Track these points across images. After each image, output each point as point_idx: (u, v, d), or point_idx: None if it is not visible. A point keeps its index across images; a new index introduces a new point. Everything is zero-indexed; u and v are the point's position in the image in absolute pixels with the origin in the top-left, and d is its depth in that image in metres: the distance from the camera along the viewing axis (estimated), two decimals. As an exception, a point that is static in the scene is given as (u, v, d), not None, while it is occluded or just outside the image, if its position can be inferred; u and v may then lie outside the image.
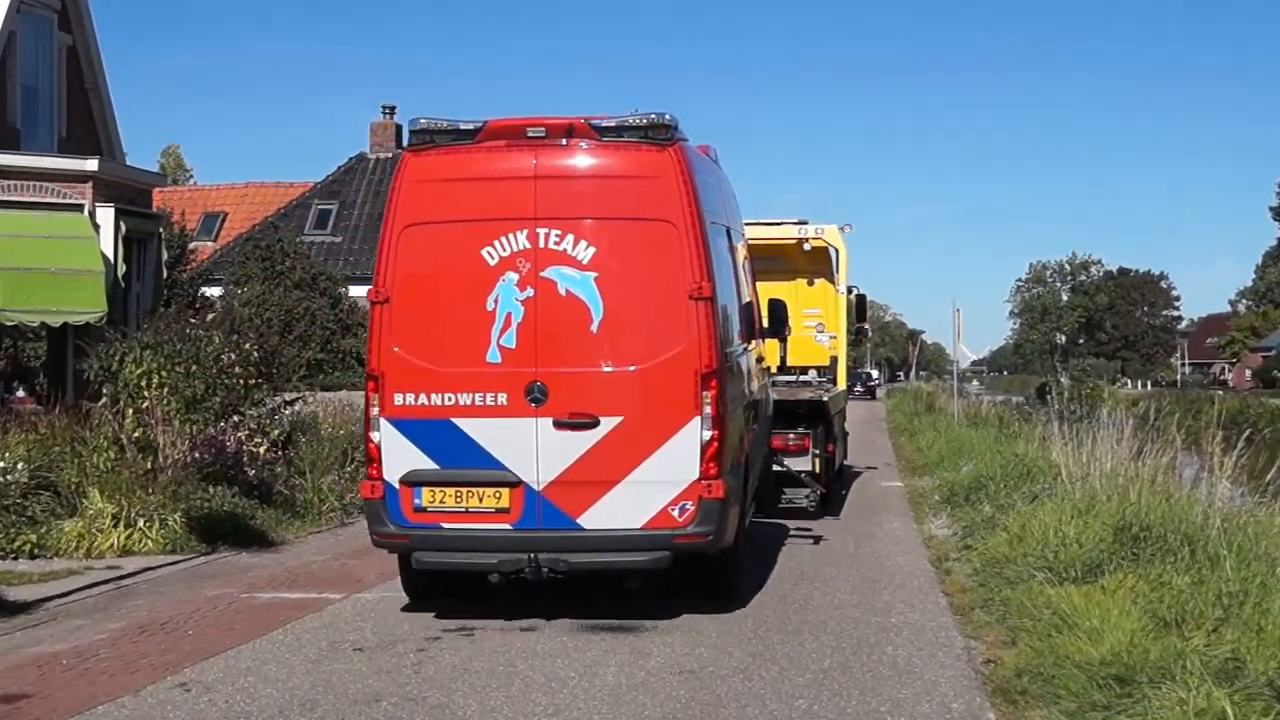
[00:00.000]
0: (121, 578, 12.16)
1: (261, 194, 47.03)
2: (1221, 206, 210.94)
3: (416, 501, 10.09)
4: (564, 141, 10.20)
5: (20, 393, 20.37)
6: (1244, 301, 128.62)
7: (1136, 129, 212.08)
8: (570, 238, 10.07)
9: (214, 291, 31.57)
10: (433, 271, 10.28)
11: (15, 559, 12.76)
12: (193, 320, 17.95)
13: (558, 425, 9.94)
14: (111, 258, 19.79)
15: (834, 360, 19.56)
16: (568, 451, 9.93)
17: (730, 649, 9.26)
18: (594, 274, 10.04)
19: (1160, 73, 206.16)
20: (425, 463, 10.08)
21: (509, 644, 9.45)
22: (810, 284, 19.79)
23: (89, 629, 10.13)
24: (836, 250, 19.80)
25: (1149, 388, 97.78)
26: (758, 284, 13.77)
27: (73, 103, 23.26)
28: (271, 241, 32.33)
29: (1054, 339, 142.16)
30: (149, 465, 14.41)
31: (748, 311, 12.38)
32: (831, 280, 19.95)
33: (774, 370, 15.34)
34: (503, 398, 9.99)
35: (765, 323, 13.87)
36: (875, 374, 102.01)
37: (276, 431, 16.87)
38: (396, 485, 10.13)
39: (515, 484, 9.98)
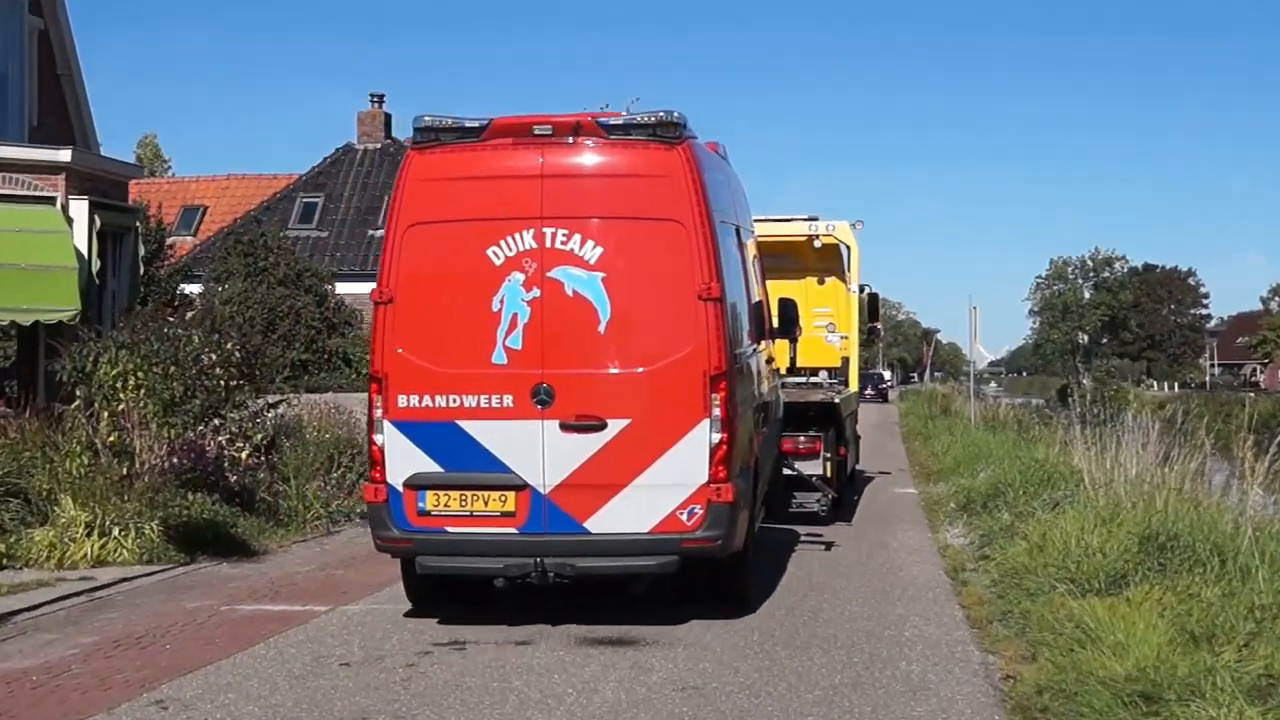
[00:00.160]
0: (95, 589, 12.14)
1: (243, 186, 47.04)
2: (1252, 199, 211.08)
3: (420, 505, 10.34)
4: (571, 139, 10.48)
5: (-11, 395, 20.36)
6: (1276, 299, 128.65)
7: (1162, 119, 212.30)
8: (577, 237, 10.32)
9: (193, 288, 31.56)
10: (437, 271, 10.54)
11: (-16, 569, 12.77)
12: (171, 319, 17.92)
13: (564, 428, 10.19)
14: (85, 253, 19.76)
15: (845, 361, 19.72)
16: (574, 454, 10.17)
17: (736, 664, 9.25)
18: (601, 274, 10.29)
19: (1185, 62, 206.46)
20: (429, 465, 10.32)
21: (503, 658, 9.45)
22: (821, 282, 19.94)
23: (60, 643, 10.12)
24: (848, 247, 19.91)
25: (1176, 390, 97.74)
26: (767, 282, 13.93)
27: (44, 90, 23.22)
28: (254, 236, 32.30)
29: (1076, 339, 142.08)
30: (124, 471, 14.38)
31: (757, 311, 12.57)
32: (843, 278, 20.07)
33: (783, 372, 15.50)
34: (508, 399, 10.24)
35: (775, 323, 13.98)
36: (887, 375, 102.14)
37: (259, 435, 16.86)
38: (400, 488, 10.37)
39: (521, 487, 10.22)
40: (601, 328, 10.29)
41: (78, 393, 15.99)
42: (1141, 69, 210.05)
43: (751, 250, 13.05)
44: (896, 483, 23.69)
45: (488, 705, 8.25)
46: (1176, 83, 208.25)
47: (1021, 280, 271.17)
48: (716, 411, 10.16)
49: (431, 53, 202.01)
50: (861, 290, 20.67)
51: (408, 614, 11.03)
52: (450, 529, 10.34)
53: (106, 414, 15.17)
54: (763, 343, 12.80)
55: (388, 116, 43.97)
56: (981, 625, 10.55)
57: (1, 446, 14.70)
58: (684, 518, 10.17)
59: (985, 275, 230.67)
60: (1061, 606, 9.83)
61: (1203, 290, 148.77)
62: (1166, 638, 8.49)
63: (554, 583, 10.44)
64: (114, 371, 15.85)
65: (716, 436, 10.16)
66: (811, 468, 16.62)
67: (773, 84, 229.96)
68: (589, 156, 10.54)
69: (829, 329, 19.63)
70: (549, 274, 10.31)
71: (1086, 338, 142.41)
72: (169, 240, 34.30)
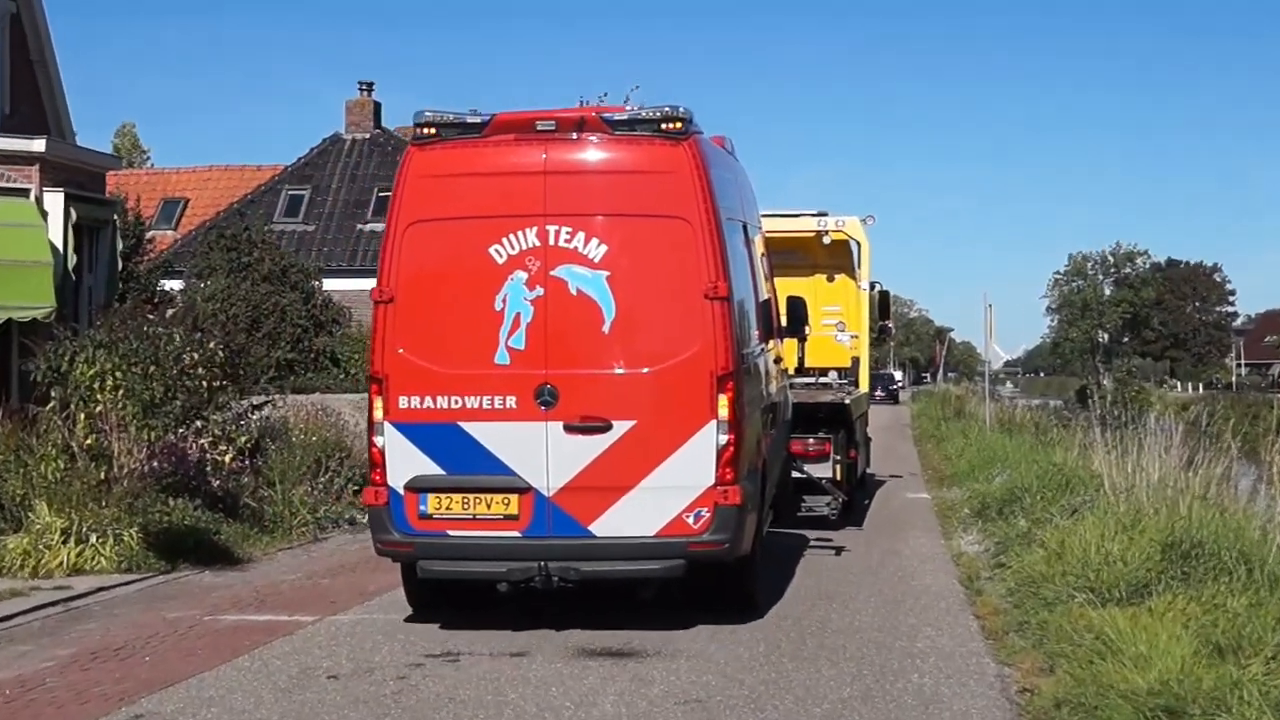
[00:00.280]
0: (72, 599, 12.16)
1: (226, 178, 47.03)
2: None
3: (422, 508, 10.55)
4: (574, 135, 10.75)
5: (-40, 396, 20.38)
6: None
7: (1186, 109, 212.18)
8: (581, 235, 10.53)
9: (174, 285, 31.56)
10: (438, 270, 10.75)
11: (-45, 578, 12.78)
12: (151, 316, 17.93)
13: (569, 429, 10.41)
14: (61, 247, 19.76)
15: (855, 361, 19.91)
16: (579, 456, 10.39)
17: (740, 676, 9.26)
18: (606, 273, 10.50)
19: (1207, 52, 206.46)
20: (431, 468, 10.54)
21: (498, 670, 9.45)
22: (830, 280, 20.13)
23: (35, 655, 10.12)
24: (858, 243, 20.06)
25: (1201, 390, 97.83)
26: (775, 280, 14.07)
27: (17, 77, 23.22)
28: (237, 230, 32.29)
29: (1095, 337, 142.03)
30: (102, 475, 14.40)
31: (765, 310, 12.76)
32: (853, 275, 20.23)
33: (791, 372, 15.62)
34: (511, 401, 10.46)
35: (783, 322, 14.21)
36: (898, 376, 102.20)
37: (243, 438, 16.88)
38: (401, 491, 10.58)
39: (524, 490, 10.44)
40: (606, 327, 10.49)
41: (53, 394, 16.01)
42: (1164, 59, 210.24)
43: (759, 247, 13.19)
44: (908, 487, 23.74)
45: (482, 719, 8.25)
46: (1200, 73, 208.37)
47: (1039, 277, 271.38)
48: (723, 412, 10.35)
49: (423, 39, 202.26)
50: (872, 288, 20.80)
51: (399, 624, 11.04)
52: (452, 532, 10.53)
53: (83, 416, 15.18)
54: (771, 342, 12.95)
55: (377, 105, 43.93)
56: (997, 636, 10.55)
57: (-26, 450, 14.72)
58: (690, 521, 10.37)
59: (1001, 271, 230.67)
60: (1081, 617, 9.83)
61: (1229, 287, 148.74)
62: (1190, 649, 8.49)
63: (558, 587, 10.58)
64: (91, 371, 15.86)
65: (723, 438, 10.35)
66: (821, 470, 16.82)
67: (779, 74, 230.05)
68: (593, 152, 10.74)
69: (839, 328, 19.81)
70: (552, 272, 10.50)
71: (1107, 336, 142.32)
72: (148, 234, 34.29)
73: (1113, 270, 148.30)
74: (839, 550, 15.24)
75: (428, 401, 10.54)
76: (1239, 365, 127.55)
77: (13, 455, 14.66)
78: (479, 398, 10.48)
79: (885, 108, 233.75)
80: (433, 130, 10.82)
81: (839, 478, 17.11)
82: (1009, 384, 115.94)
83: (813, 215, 19.85)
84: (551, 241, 10.53)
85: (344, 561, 14.80)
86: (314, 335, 29.92)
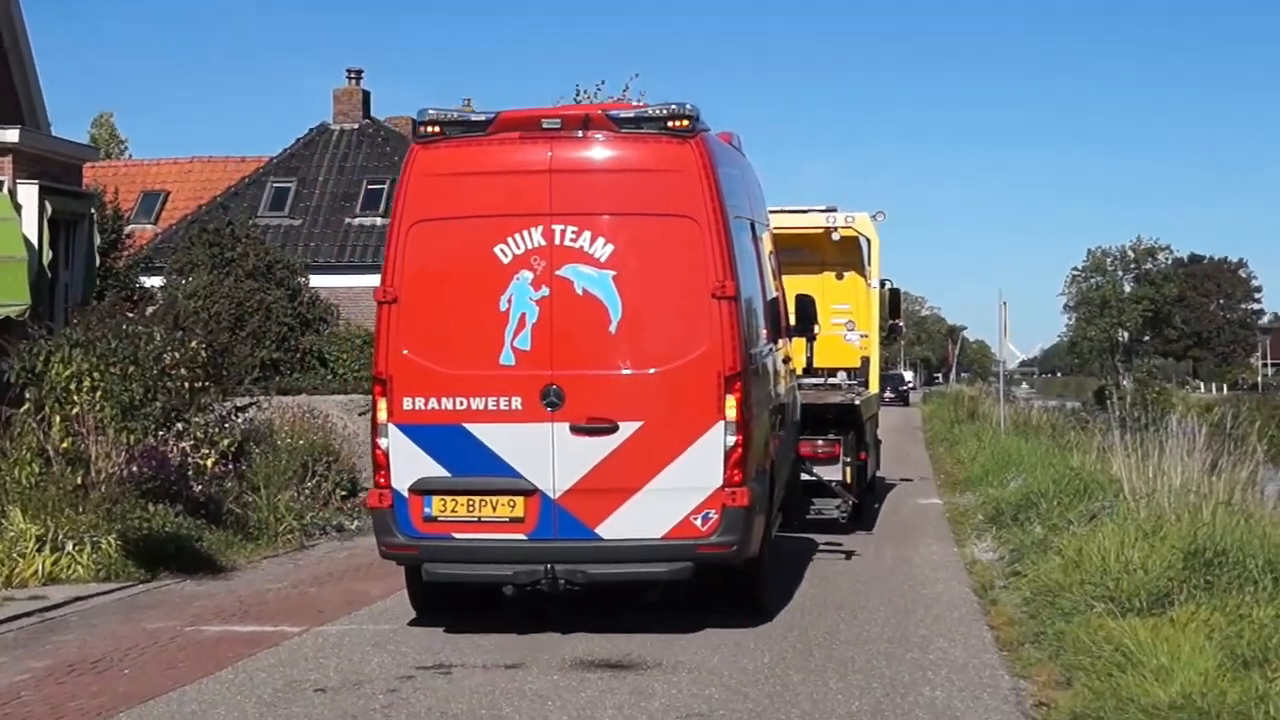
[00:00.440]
0: (47, 609, 12.16)
1: (208, 170, 47.07)
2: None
3: (427, 511, 10.82)
4: (580, 133, 11.04)
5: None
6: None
7: (1210, 98, 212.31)
8: (587, 234, 10.82)
9: (154, 281, 31.55)
10: (443, 270, 11.05)
11: (-74, 587, 12.78)
12: (130, 314, 17.95)
13: (575, 430, 10.69)
14: (35, 242, 19.76)
15: (865, 361, 20.05)
16: (585, 458, 10.67)
17: (745, 689, 9.26)
18: (612, 272, 10.79)
19: (1229, 39, 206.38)
20: (436, 470, 10.82)
21: (492, 683, 9.46)
22: (839, 277, 20.34)
23: (9, 668, 10.12)
24: (868, 240, 20.23)
25: (1225, 391, 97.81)
26: (783, 277, 14.33)
27: (-9, 65, 23.22)
28: (220, 224, 32.27)
29: (1115, 336, 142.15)
30: (79, 480, 14.40)
31: (773, 309, 13.04)
32: (862, 273, 20.40)
33: (800, 372, 15.81)
34: (517, 402, 10.74)
35: (792, 320, 14.38)
36: (909, 376, 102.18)
37: (226, 441, 16.89)
38: (405, 494, 10.85)
39: (530, 492, 10.72)
40: (612, 327, 10.77)
41: (27, 395, 16.01)
42: (1185, 46, 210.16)
43: (767, 244, 13.46)
44: (920, 492, 23.78)
45: (475, 735, 8.28)
46: (1223, 61, 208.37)
47: (1056, 273, 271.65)
48: (731, 413, 10.62)
49: (414, 25, 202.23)
50: (882, 285, 20.93)
51: (389, 634, 11.06)
52: (457, 535, 10.80)
53: (59, 418, 15.18)
54: (779, 341, 13.20)
55: (366, 94, 43.97)
56: (1012, 647, 10.56)
57: (-56, 454, 14.72)
58: (698, 523, 10.64)
59: (1016, 267, 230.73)
60: (1099, 627, 9.84)
61: (1255, 283, 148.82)
62: (1215, 662, 8.50)
63: (564, 590, 10.80)
64: (67, 372, 15.87)
65: (731, 439, 10.63)
66: (830, 473, 16.98)
67: (783, 64, 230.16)
68: (599, 151, 11.03)
69: (848, 327, 19.97)
70: (558, 272, 10.78)
71: (1127, 335, 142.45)
72: (127, 229, 34.23)
73: (1133, 266, 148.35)
74: (849, 555, 15.40)
75: (432, 403, 10.80)
76: (1265, 365, 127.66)
77: (-15, 459, 14.67)
78: (484, 399, 10.75)
79: (895, 99, 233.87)
80: (437, 128, 11.08)
81: (849, 480, 17.29)
82: (1024, 385, 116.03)
83: (821, 211, 20.02)
84: (557, 241, 10.80)
85: (331, 569, 14.81)
86: (300, 334, 29.90)
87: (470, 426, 10.76)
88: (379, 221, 39.94)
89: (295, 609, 12.45)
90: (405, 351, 10.88)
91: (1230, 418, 16.31)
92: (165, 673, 9.90)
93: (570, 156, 10.98)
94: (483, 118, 11.11)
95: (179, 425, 16.53)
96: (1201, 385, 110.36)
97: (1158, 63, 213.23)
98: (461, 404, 10.77)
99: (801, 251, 18.85)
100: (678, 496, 10.62)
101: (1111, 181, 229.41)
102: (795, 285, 15.58)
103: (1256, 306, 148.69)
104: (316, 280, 33.19)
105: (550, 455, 10.67)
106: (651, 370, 10.78)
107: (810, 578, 13.87)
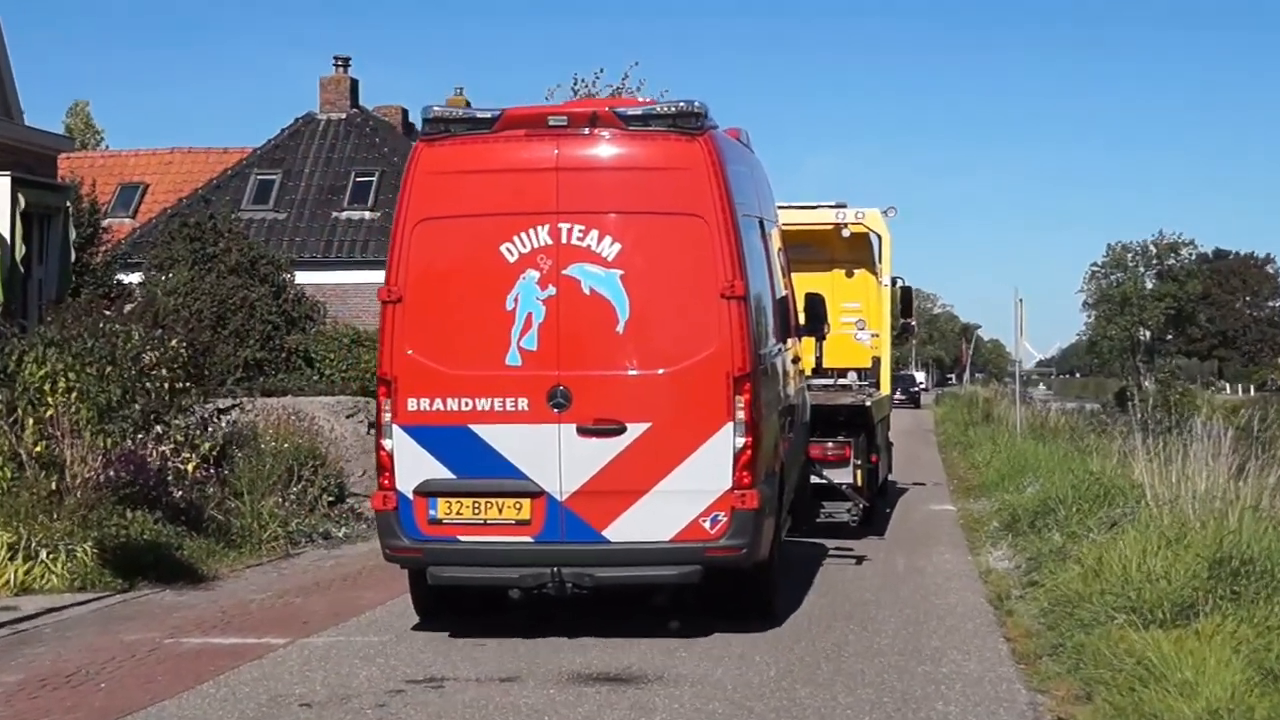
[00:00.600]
0: (19, 620, 12.15)
1: (189, 161, 47.07)
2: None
3: (431, 513, 11.06)
4: (587, 131, 11.36)
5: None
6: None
7: (1235, 87, 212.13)
8: (594, 233, 11.06)
9: (133, 278, 31.57)
10: (448, 269, 11.30)
11: (-107, 597, 12.77)
12: (107, 312, 17.94)
13: (582, 432, 10.92)
14: (8, 237, 19.78)
15: (876, 361, 20.21)
16: (592, 460, 10.90)
17: (749, 704, 9.25)
18: (620, 271, 11.02)
19: (1255, 22, 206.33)
20: (441, 472, 11.07)
21: (486, 697, 9.45)
22: (849, 275, 20.48)
23: (-18, 681, 10.11)
24: (879, 236, 20.36)
25: (1252, 393, 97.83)
26: (792, 275, 14.45)
27: (-39, 52, 23.22)
28: (201, 218, 32.29)
29: (1136, 335, 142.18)
30: (53, 486, 14.39)
31: (782, 308, 13.26)
32: (873, 270, 20.54)
33: (809, 372, 15.93)
34: (523, 403, 10.98)
35: (801, 320, 14.58)
36: (920, 377, 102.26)
37: (208, 445, 16.89)
38: (410, 496, 11.10)
39: (537, 494, 10.95)
40: (620, 327, 11.00)
41: None
42: (1206, 28, 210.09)
43: (776, 242, 13.65)
44: (932, 498, 23.81)
45: (467, 752, 8.27)
46: (1246, 48, 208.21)
47: (1074, 269, 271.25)
48: (740, 414, 10.86)
49: (404, 10, 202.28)
50: (894, 283, 21.08)
51: (379, 646, 11.06)
52: (463, 538, 11.05)
53: (32, 421, 15.16)
54: (788, 341, 13.41)
55: (354, 82, 43.97)
56: (1029, 660, 10.57)
57: (-87, 457, 14.70)
58: (707, 525, 10.87)
59: (1033, 263, 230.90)
60: (1120, 639, 9.83)
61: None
62: (1242, 676, 8.50)
63: (571, 594, 10.97)
64: (41, 372, 15.84)
65: (740, 441, 10.86)
66: (841, 475, 17.14)
67: (787, 53, 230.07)
68: (606, 148, 11.28)
69: (858, 326, 20.13)
70: (565, 271, 11.02)
71: (1148, 334, 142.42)
72: (104, 223, 34.28)
73: (1155, 262, 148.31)
74: (859, 560, 15.55)
75: (437, 404, 11.03)
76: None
77: (-45, 464, 14.65)
78: (490, 399, 10.98)
79: (904, 89, 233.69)
80: (442, 125, 11.32)
81: (860, 483, 17.46)
82: (1041, 385, 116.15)
83: (831, 207, 20.18)
84: (564, 240, 11.03)
85: (318, 579, 14.80)
86: (285, 333, 29.91)
87: (476, 428, 10.98)
88: (367, 215, 39.99)
89: (280, 620, 12.45)
90: (410, 352, 11.09)
91: (1257, 420, 16.32)
92: (143, 687, 9.89)
93: (577, 154, 11.21)
94: (488, 115, 11.30)
95: (158, 428, 16.52)
96: (1227, 386, 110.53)
97: (1180, 48, 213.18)
98: (467, 405, 10.99)
99: (810, 248, 19.00)
100: (686, 499, 10.83)
101: (1132, 173, 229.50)
102: (804, 283, 15.73)
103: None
104: (302, 277, 33.17)
105: (557, 457, 10.89)
106: (660, 371, 11.01)
107: (819, 584, 13.94)
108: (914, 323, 25.84)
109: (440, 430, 11.04)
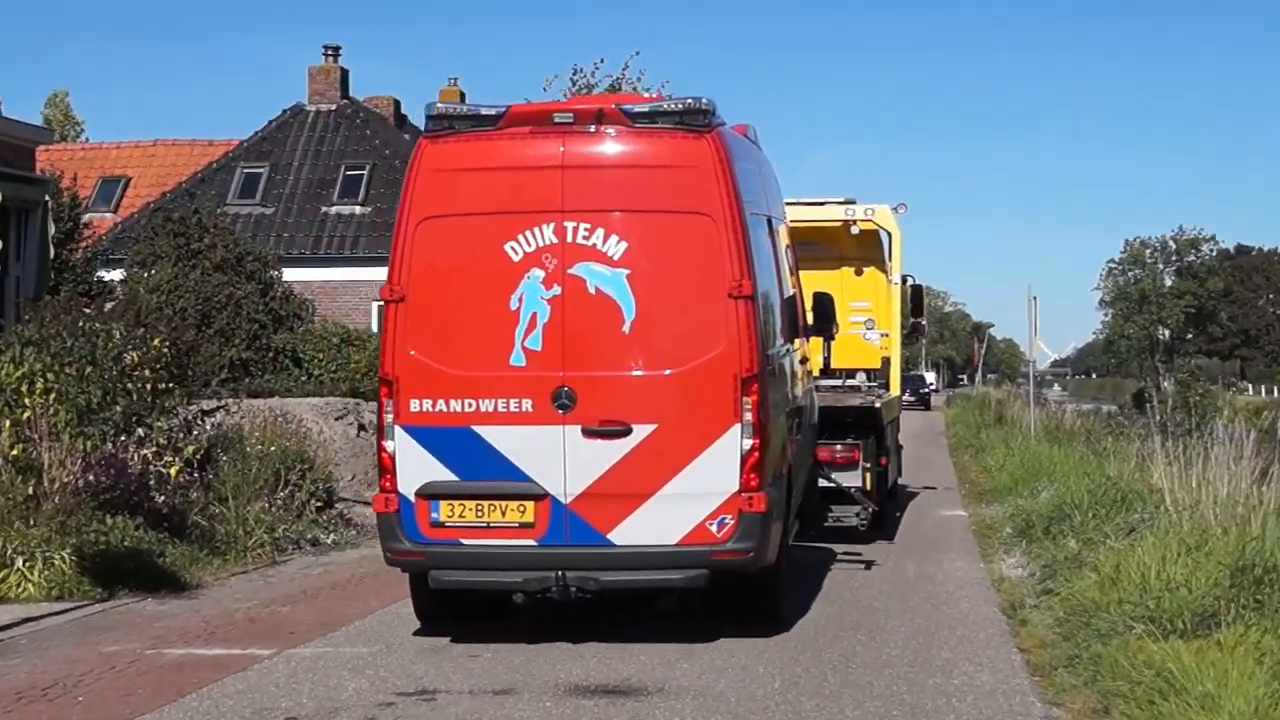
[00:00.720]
0: (-4, 630, 12.14)
1: (172, 154, 47.10)
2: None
3: (434, 516, 11.21)
4: (593, 128, 11.37)
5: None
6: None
7: (1254, 79, 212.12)
8: (600, 232, 11.20)
9: (114, 275, 31.57)
10: (451, 268, 11.46)
11: None
12: (87, 310, 17.91)
13: (587, 433, 11.06)
14: (-15, 233, 19.77)
15: (886, 362, 20.34)
16: (598, 462, 11.04)
17: (753, 717, 9.24)
18: (626, 271, 11.16)
19: (1266, 16, 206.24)
20: (444, 474, 11.22)
21: (479, 711, 9.43)
22: (858, 273, 20.70)
23: (-45, 694, 10.10)
24: (889, 233, 20.49)
25: (1275, 394, 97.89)
26: (799, 274, 14.55)
27: (-64, 41, 23.20)
28: (186, 213, 32.30)
29: (1155, 334, 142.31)
30: (30, 491, 14.37)
31: (790, 307, 13.39)
32: (883, 268, 20.67)
33: (817, 373, 16.02)
34: (528, 404, 11.13)
35: (809, 319, 14.61)
36: (930, 378, 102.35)
37: (191, 448, 16.88)
38: (412, 498, 11.25)
39: (541, 497, 11.10)
40: (626, 328, 11.15)
41: (-25, 398, 15.97)
42: (1226, 19, 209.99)
43: (784, 240, 13.77)
44: (943, 503, 23.81)
45: (460, 767, 8.25)
46: (1257, 41, 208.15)
47: (1090, 266, 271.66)
48: (748, 416, 10.99)
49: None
50: (904, 282, 21.15)
51: (368, 658, 11.05)
52: (466, 541, 11.19)
53: (9, 423, 15.14)
54: (796, 341, 13.51)
55: (344, 72, 44.01)
56: (1044, 672, 10.55)
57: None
58: (714, 529, 11.01)
59: (1048, 261, 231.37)
60: (1139, 650, 9.82)
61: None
62: (1267, 689, 8.48)
63: (575, 598, 11.11)
64: (18, 373, 15.83)
65: (748, 443, 11.00)
66: (849, 478, 17.18)
67: (791, 47, 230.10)
68: (612, 146, 11.42)
69: (867, 325, 20.26)
70: (570, 271, 11.15)
71: (1168, 333, 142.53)
72: (84, 217, 34.27)
73: (1174, 258, 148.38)
74: (868, 565, 15.63)
75: (440, 404, 11.18)
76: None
77: (-71, 468, 14.63)
78: (493, 400, 11.12)
79: (913, 82, 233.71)
80: (446, 122, 11.45)
81: (869, 487, 17.48)
82: (1056, 386, 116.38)
83: (839, 204, 20.29)
84: (569, 238, 11.16)
85: (305, 587, 14.79)
86: (272, 331, 29.91)
87: (479, 429, 11.12)
88: (358, 210, 40.02)
89: (266, 630, 12.43)
90: (412, 352, 11.24)
91: (1281, 422, 16.28)
92: (123, 700, 9.87)
93: (583, 152, 11.33)
94: (493, 111, 11.45)
95: (140, 431, 16.51)
96: (1250, 387, 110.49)
97: (1191, 42, 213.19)
98: (470, 406, 11.13)
99: (819, 246, 19.12)
100: (693, 501, 10.96)
101: (1150, 168, 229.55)
102: (812, 282, 15.80)
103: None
104: (290, 274, 33.22)
105: (561, 459, 11.02)
106: (666, 371, 11.14)
107: (827, 591, 13.95)
108: (924, 322, 25.90)
109: (443, 431, 11.17)
